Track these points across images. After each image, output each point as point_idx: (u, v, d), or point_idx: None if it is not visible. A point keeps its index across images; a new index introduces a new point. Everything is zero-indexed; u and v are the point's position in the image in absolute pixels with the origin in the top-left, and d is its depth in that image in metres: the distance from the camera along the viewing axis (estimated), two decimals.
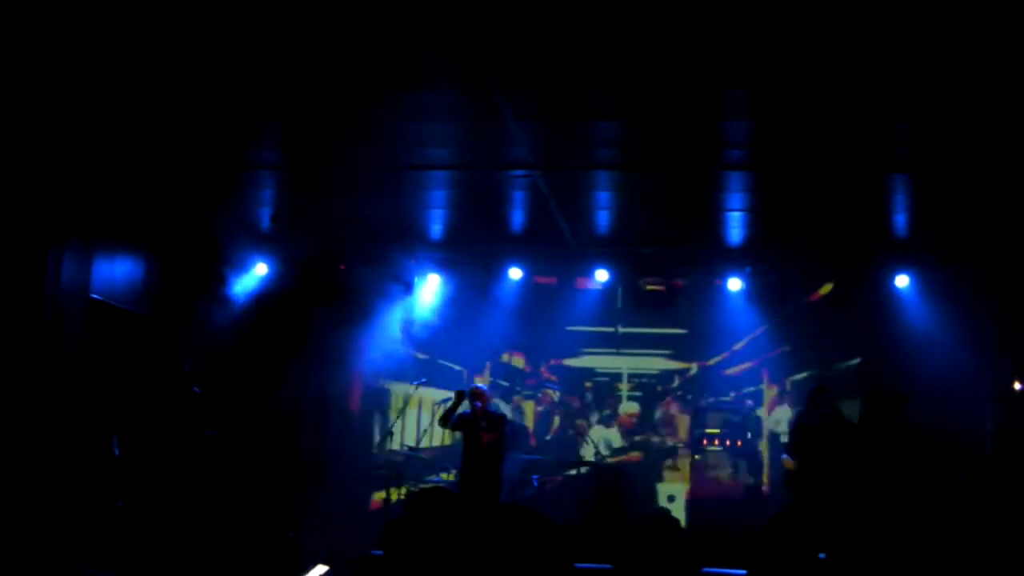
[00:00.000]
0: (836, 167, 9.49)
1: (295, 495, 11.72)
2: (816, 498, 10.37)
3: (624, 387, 14.65)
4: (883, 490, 11.29)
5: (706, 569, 6.51)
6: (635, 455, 14.34)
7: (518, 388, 14.67)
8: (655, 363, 14.55)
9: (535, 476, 12.15)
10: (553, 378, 14.28)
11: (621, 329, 14.49)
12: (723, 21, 6.51)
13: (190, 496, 9.29)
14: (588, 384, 14.59)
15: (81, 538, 8.60)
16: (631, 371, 14.73)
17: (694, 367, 14.57)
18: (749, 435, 13.22)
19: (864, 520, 7.20)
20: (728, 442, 13.52)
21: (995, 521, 3.40)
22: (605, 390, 14.69)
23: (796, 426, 11.07)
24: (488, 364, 14.58)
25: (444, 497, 4.97)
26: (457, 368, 14.37)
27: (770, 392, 14.28)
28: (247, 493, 9.49)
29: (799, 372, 13.97)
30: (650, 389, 14.64)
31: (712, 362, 14.48)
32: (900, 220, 11.33)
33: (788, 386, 14.02)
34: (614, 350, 14.75)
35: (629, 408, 14.63)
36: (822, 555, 6.12)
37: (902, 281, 12.52)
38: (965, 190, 9.82)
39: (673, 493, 13.81)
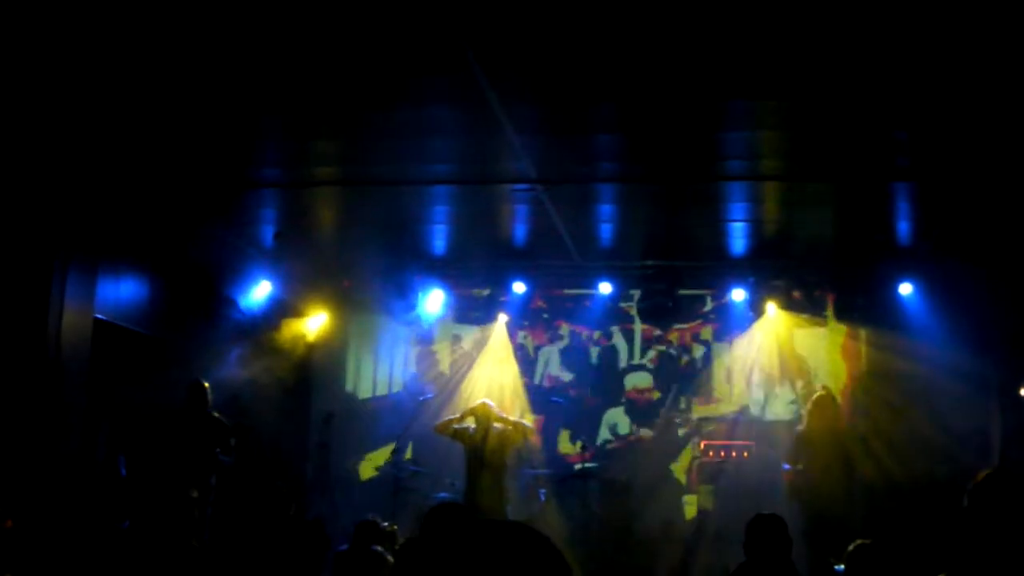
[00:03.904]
0: (838, 175, 9.51)
1: (301, 509, 11.70)
2: (818, 508, 10.33)
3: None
4: (886, 500, 11.27)
5: None
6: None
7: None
8: None
9: (542, 490, 12.09)
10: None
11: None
12: (722, 33, 6.53)
13: (198, 517, 9.29)
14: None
15: (86, 557, 8.57)
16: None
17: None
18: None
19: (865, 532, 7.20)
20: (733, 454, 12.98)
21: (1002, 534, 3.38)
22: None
23: (798, 433, 11.00)
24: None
25: (458, 513, 4.96)
26: None
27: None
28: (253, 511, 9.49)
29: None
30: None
31: None
32: (904, 227, 11.33)
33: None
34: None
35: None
36: (839, 567, 6.13)
37: (906, 289, 12.45)
38: (969, 196, 9.81)
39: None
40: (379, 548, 7.80)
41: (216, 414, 10.23)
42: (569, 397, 13.65)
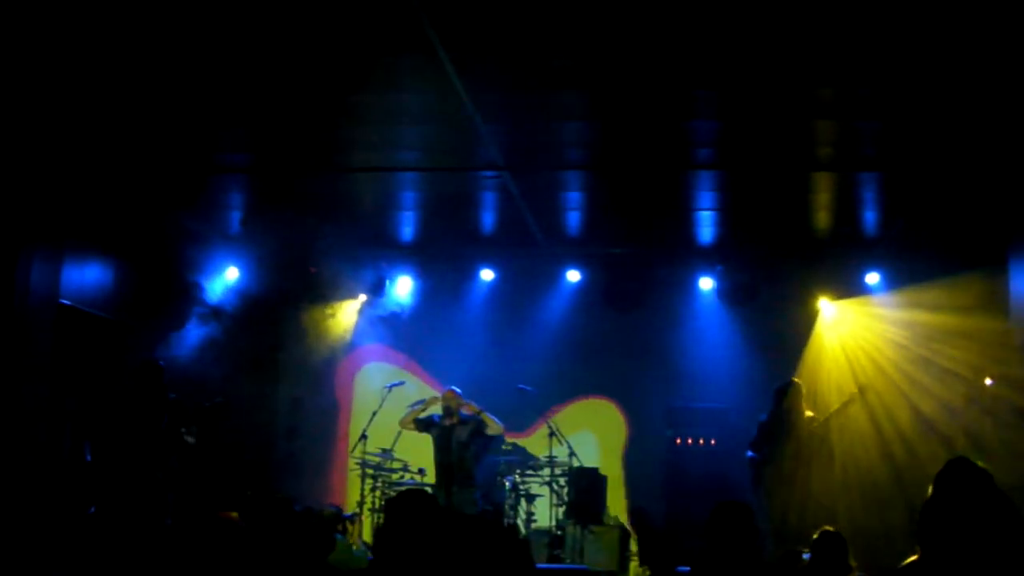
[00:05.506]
0: (803, 165, 9.56)
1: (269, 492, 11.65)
2: (783, 497, 10.41)
3: None
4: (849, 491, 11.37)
5: (680, 568, 6.54)
6: None
7: None
8: None
9: (509, 478, 12.07)
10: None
11: None
12: (690, 22, 6.54)
13: (163, 500, 9.25)
14: None
15: (52, 544, 8.52)
16: None
17: None
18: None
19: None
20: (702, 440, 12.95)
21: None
22: None
23: (761, 423, 11.05)
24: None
25: (423, 500, 4.95)
26: None
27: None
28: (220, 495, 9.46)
29: None
30: None
31: None
32: (870, 217, 11.39)
33: None
34: None
35: None
36: (806, 555, 6.18)
37: (872, 278, 12.55)
38: (935, 187, 9.88)
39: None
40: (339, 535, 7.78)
41: (172, 395, 10.10)
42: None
